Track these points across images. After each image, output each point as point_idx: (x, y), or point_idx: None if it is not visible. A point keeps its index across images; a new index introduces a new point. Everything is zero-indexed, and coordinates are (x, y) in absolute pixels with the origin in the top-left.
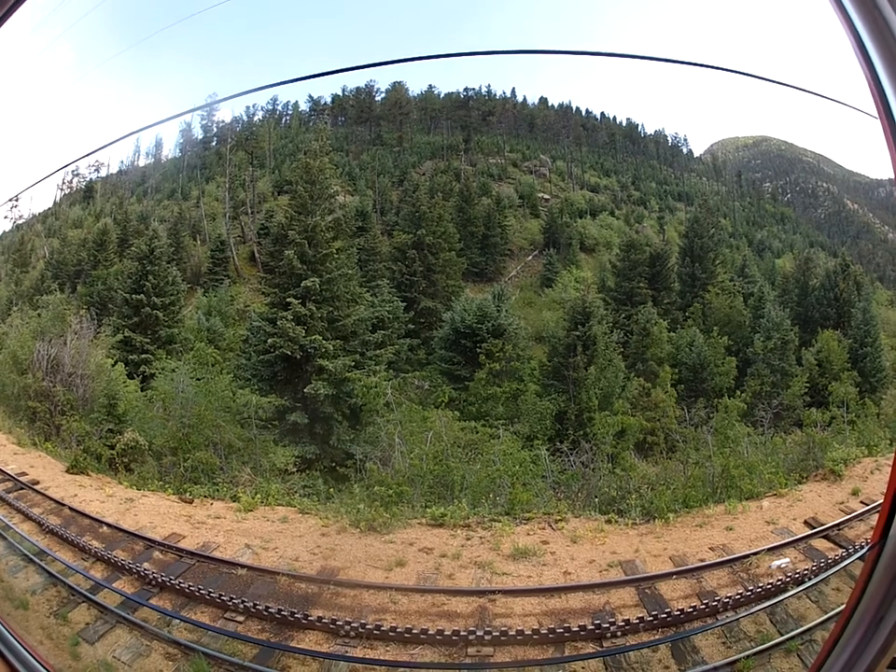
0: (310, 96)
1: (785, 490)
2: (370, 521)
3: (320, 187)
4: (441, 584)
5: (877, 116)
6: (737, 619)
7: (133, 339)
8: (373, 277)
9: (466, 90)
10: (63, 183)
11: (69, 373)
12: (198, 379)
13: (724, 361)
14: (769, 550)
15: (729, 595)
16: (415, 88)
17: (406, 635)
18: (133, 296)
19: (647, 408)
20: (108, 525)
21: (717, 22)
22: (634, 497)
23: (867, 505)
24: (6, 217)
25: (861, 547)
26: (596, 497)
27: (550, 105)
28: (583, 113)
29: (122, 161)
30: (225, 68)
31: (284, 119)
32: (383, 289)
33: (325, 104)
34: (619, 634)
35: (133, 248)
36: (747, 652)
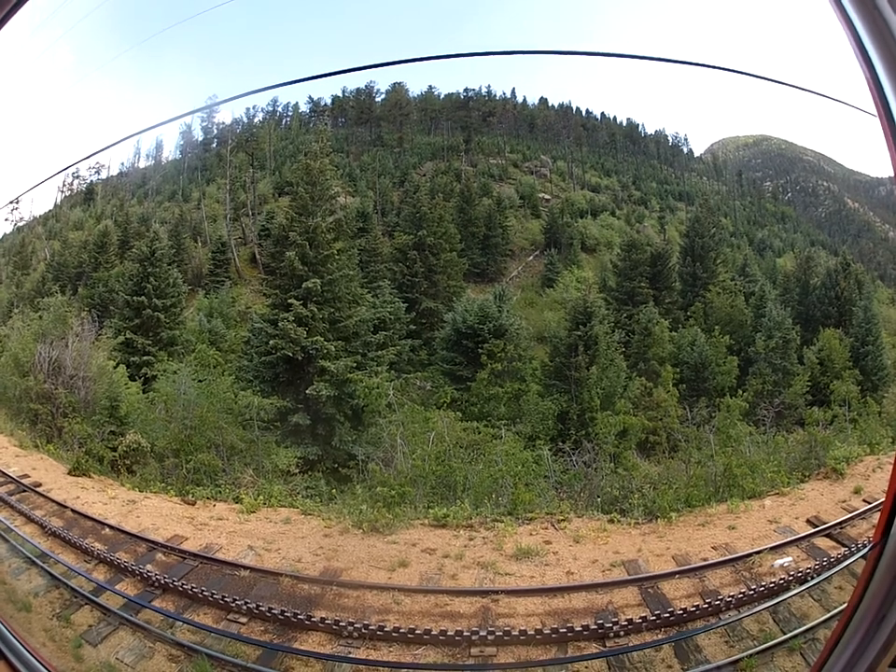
0: (310, 97)
1: (787, 489)
2: (372, 522)
3: (321, 188)
4: (444, 585)
5: (877, 114)
6: (740, 618)
7: (135, 341)
8: (375, 278)
9: (466, 90)
10: (64, 185)
11: (71, 375)
12: (200, 381)
13: (726, 360)
14: (772, 549)
15: (732, 594)
16: (415, 88)
17: (409, 635)
18: (135, 298)
19: (649, 407)
20: (111, 527)
21: (717, 22)
22: (636, 496)
23: (869, 503)
24: (6, 220)
25: (864, 546)
26: (599, 496)
27: (550, 105)
28: (584, 113)
29: (123, 163)
30: (225, 70)
31: (284, 121)
32: (384, 290)
33: (325, 105)
34: (622, 633)
35: (134, 250)
36: (749, 651)
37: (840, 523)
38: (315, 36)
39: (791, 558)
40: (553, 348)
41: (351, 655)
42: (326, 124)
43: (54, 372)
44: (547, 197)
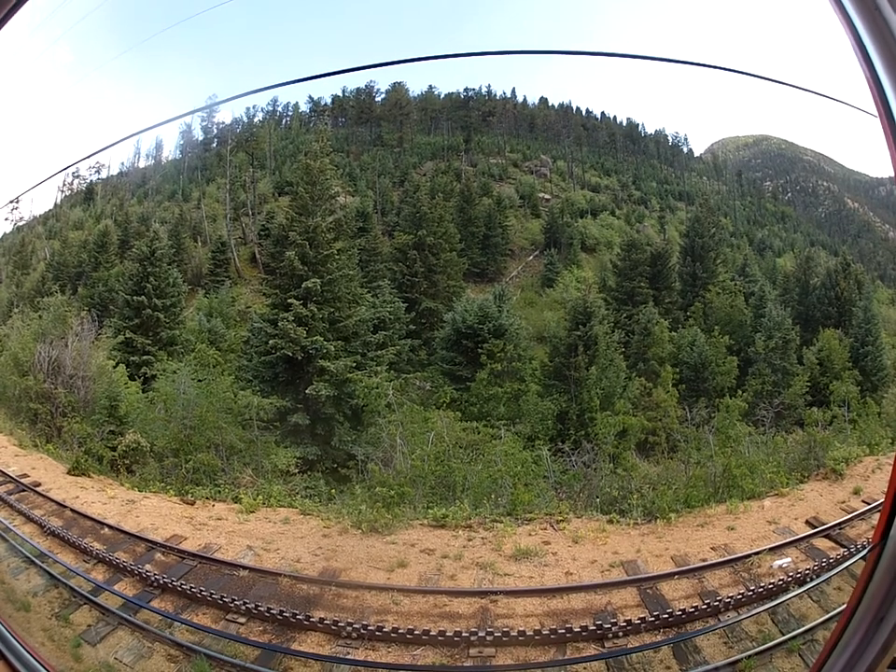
0: (310, 97)
1: (786, 489)
2: (371, 522)
3: (321, 188)
4: (443, 585)
5: (877, 114)
6: (739, 619)
7: (135, 340)
8: (374, 278)
9: (466, 90)
10: (64, 185)
11: (70, 375)
12: (199, 380)
13: (725, 361)
14: (771, 549)
15: (731, 594)
16: (416, 88)
17: (408, 636)
18: (135, 297)
19: (648, 408)
20: (110, 527)
21: (717, 22)
22: (635, 496)
23: (869, 504)
24: (6, 219)
25: (863, 547)
26: (598, 497)
27: (550, 105)
28: (584, 113)
29: (123, 163)
30: (225, 69)
31: (284, 121)
32: (384, 290)
33: (325, 104)
34: (621, 634)
35: (133, 250)
36: (748, 652)
37: (839, 524)
38: (314, 36)
39: (790, 559)
40: (552, 348)
41: (350, 656)
42: (326, 124)
43: (54, 372)
44: (547, 197)
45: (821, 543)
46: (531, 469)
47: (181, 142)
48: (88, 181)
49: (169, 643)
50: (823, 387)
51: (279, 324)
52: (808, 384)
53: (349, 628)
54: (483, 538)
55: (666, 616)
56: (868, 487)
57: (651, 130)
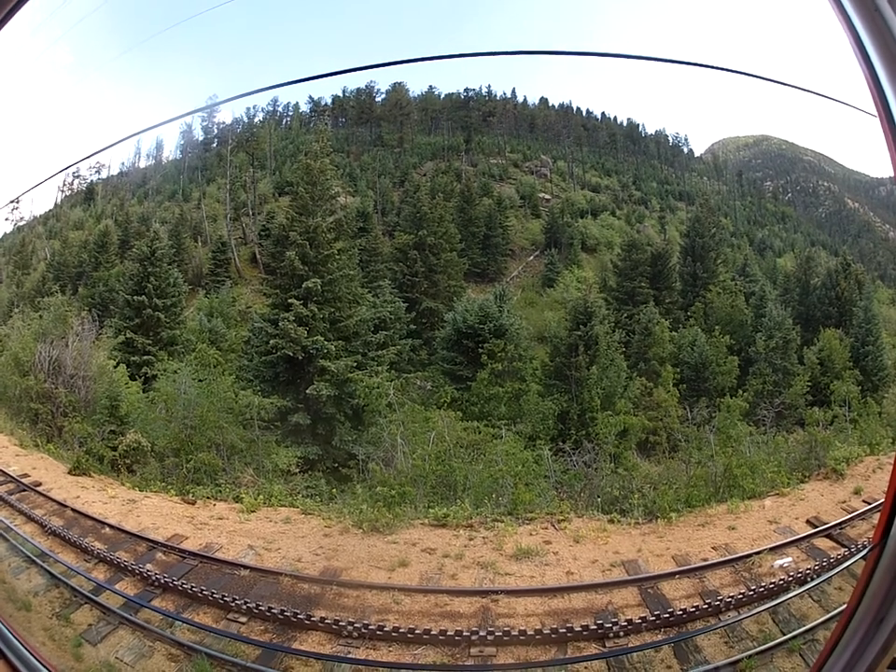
0: (310, 97)
1: (787, 489)
2: (372, 521)
3: (321, 188)
4: (444, 585)
5: (877, 114)
6: (740, 619)
7: (135, 340)
8: (375, 278)
9: (466, 90)
10: (64, 185)
11: (71, 375)
12: (200, 380)
13: (726, 360)
14: (771, 549)
15: (731, 594)
16: (416, 88)
17: (409, 635)
18: (135, 297)
19: (649, 407)
20: (111, 527)
21: (717, 22)
22: (636, 496)
23: (869, 504)
24: (7, 219)
25: (864, 546)
26: (599, 496)
27: (550, 105)
28: (584, 113)
29: (123, 163)
30: (225, 70)
31: (284, 121)
32: (384, 290)
33: (325, 105)
34: (621, 634)
35: (134, 250)
36: (749, 652)
37: (840, 523)
38: (315, 36)
39: (790, 559)
40: (553, 348)
41: (350, 655)
42: (326, 124)
43: (54, 372)
44: (547, 197)
45: (822, 543)
46: (532, 468)
47: (181, 142)
48: (88, 181)
49: (170, 642)
50: (824, 387)
51: (280, 324)
52: (809, 383)
53: (350, 627)
54: (484, 537)
55: (667, 616)
56: (869, 487)
57: (651, 130)
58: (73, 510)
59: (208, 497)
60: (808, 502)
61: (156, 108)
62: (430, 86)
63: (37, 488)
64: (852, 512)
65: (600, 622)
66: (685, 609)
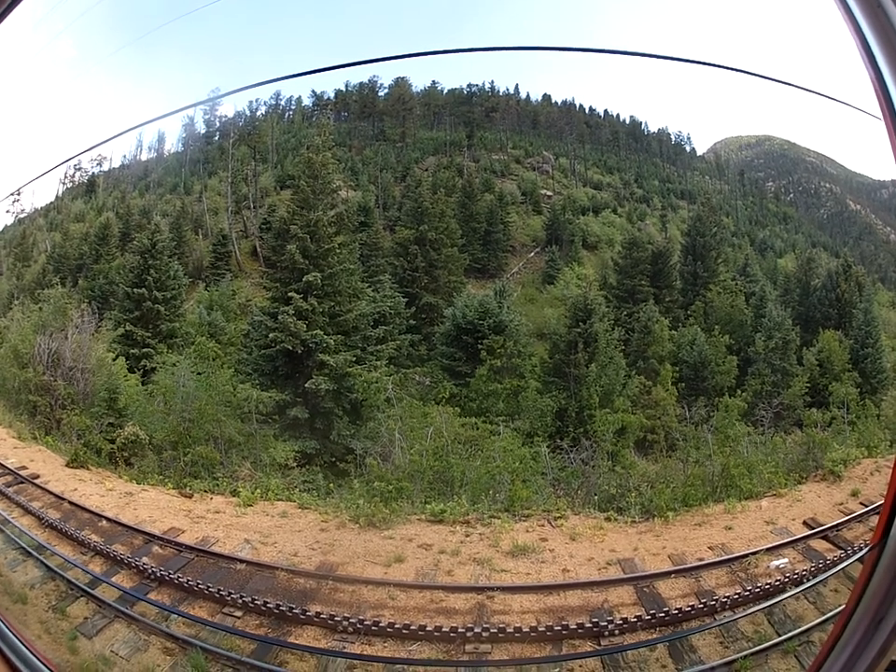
0: (313, 91)
1: (784, 490)
2: (369, 516)
3: (323, 182)
4: (440, 581)
5: (881, 117)
6: (735, 619)
7: (135, 333)
8: (375, 272)
9: (469, 86)
10: (66, 177)
11: (70, 367)
12: (199, 373)
13: (725, 360)
14: (768, 550)
15: (727, 594)
16: (419, 84)
17: (404, 631)
18: (135, 290)
19: (647, 406)
20: (108, 520)
21: (721, 21)
22: (633, 495)
23: (866, 506)
24: (8, 211)
25: (860, 549)
26: (596, 494)
27: (553, 101)
28: (587, 110)
29: (125, 156)
30: (228, 63)
31: (287, 114)
32: (384, 285)
33: (328, 99)
34: (617, 632)
35: (134, 242)
36: (744, 653)
37: (837, 525)
38: (317, 31)
39: (787, 560)
40: (552, 345)
41: (346, 650)
42: (328, 118)
43: (53, 364)
44: (549, 193)
45: (819, 545)
46: (529, 465)
47: (183, 135)
48: (90, 173)
49: (165, 636)
50: (822, 389)
51: (279, 317)
52: (808, 385)
53: (346, 622)
54: (480, 533)
55: (663, 614)
56: (866, 489)
57: (653, 128)
58: (70, 502)
59: (205, 491)
60: (805, 503)
61: (158, 101)
62: (433, 81)
63: (35, 480)
64: (849, 515)
65: (595, 620)
66: (681, 608)
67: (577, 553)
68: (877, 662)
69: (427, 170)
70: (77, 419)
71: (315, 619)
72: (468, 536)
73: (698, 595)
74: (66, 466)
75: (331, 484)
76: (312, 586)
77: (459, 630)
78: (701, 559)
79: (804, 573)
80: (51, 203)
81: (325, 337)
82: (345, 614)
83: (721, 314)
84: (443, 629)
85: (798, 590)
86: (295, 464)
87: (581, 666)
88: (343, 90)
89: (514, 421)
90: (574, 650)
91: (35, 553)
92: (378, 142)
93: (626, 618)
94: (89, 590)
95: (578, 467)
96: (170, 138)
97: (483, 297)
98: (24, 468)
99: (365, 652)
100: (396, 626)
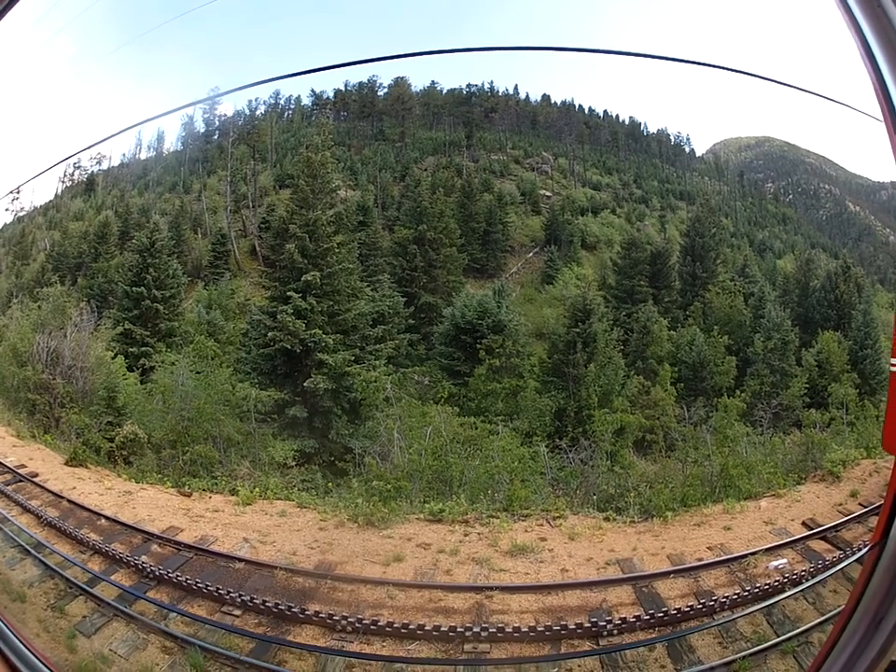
0: (312, 91)
1: (783, 490)
2: (368, 516)
3: (322, 181)
4: (439, 580)
5: (881, 118)
6: (734, 619)
7: (134, 331)
8: (374, 272)
9: (468, 86)
10: (65, 175)
11: (69, 366)
12: (198, 372)
13: (724, 361)
14: (767, 550)
15: (726, 594)
16: (418, 83)
17: (403, 630)
18: (134, 289)
19: (646, 406)
20: (107, 518)
21: (721, 22)
22: (632, 495)
23: (865, 507)
24: (7, 210)
25: (859, 549)
26: (595, 494)
27: (552, 102)
28: (586, 111)
29: (124, 154)
30: (227, 62)
31: (286, 114)
32: (383, 284)
33: (327, 98)
34: (615, 632)
35: (134, 241)
36: (743, 653)
37: (836, 526)
38: (317, 30)
39: (785, 560)
40: (551, 345)
41: (344, 649)
42: (328, 118)
43: (52, 362)
44: (548, 194)
45: (817, 545)
46: (528, 465)
47: (183, 134)
48: (89, 172)
49: (164, 635)
50: (822, 389)
51: (278, 316)
52: (807, 385)
53: (344, 622)
54: (479, 533)
55: (661, 614)
56: (865, 490)
57: (653, 129)
58: (69, 500)
59: (204, 490)
60: (804, 504)
61: (157, 100)
62: (433, 81)
63: (34, 479)
64: (848, 515)
65: (594, 619)
66: (679, 608)
67: (576, 553)
68: (877, 662)
69: (426, 170)
70: (76, 418)
71: (314, 618)
72: (466, 535)
73: (697, 596)
74: (65, 464)
75: (330, 483)
76: (310, 585)
77: (458, 629)
78: (700, 559)
79: (802, 573)
80: (51, 201)
81: (324, 336)
82: (344, 613)
83: (719, 314)
84: (442, 628)
85: (797, 590)
86: (294, 463)
87: (579, 666)
88: (343, 89)
89: (513, 421)
90: (573, 649)
91: (33, 552)
92: (377, 142)
93: (625, 618)
94: (87, 588)
95: (577, 466)
96: (169, 137)
97: (481, 297)
98: (23, 466)
99: (364, 651)
100: (394, 625)
